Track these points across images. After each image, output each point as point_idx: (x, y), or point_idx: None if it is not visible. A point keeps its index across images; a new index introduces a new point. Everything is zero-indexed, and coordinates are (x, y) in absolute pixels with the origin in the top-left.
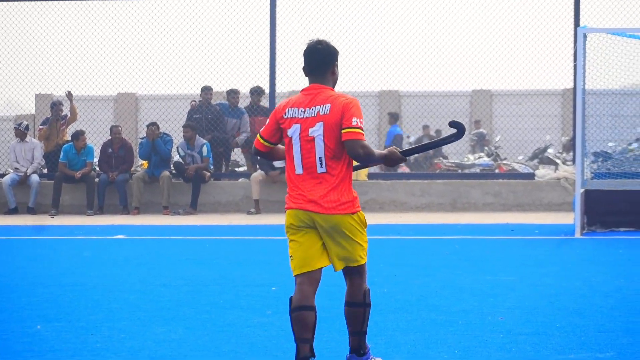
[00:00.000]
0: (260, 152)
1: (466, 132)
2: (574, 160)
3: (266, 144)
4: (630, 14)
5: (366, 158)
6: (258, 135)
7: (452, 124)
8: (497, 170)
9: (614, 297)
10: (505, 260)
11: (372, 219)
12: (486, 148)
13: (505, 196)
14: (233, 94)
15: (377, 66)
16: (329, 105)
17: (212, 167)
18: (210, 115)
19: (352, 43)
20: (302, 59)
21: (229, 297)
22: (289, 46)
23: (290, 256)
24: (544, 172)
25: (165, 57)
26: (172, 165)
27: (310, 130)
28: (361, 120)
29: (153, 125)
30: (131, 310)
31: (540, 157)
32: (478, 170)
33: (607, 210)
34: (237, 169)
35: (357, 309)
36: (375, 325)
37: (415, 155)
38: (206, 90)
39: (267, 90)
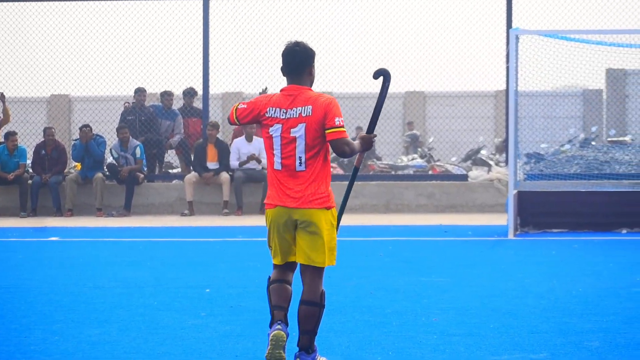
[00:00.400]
0: (230, 122)
1: (399, 134)
2: (506, 162)
3: (236, 120)
4: (562, 15)
5: (351, 153)
6: (234, 110)
7: (376, 75)
8: (430, 172)
9: (547, 298)
10: (439, 262)
11: None
12: (419, 149)
13: (439, 197)
14: (167, 95)
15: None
16: (311, 106)
17: (145, 168)
18: (144, 117)
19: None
20: (281, 59)
21: (163, 299)
22: (223, 48)
23: (270, 246)
24: (477, 174)
25: (98, 59)
26: (105, 167)
27: (292, 130)
28: (342, 118)
29: (86, 127)
30: (65, 313)
31: (474, 158)
32: (411, 172)
33: (540, 211)
34: (170, 171)
35: (313, 309)
36: None
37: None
38: (140, 92)
39: (200, 92)
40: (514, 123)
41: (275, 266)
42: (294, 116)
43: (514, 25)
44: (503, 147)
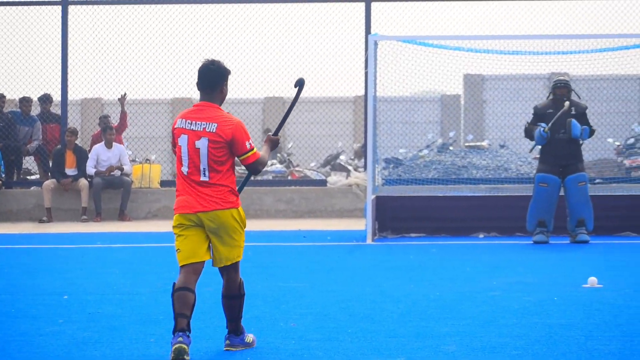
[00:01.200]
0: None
1: (259, 140)
2: (365, 167)
3: (174, 148)
4: (420, 21)
5: (264, 167)
6: (172, 146)
7: (296, 84)
8: (289, 177)
9: (404, 303)
10: (298, 267)
11: (164, 226)
12: (279, 155)
13: (298, 203)
14: (25, 101)
15: (170, 73)
16: (216, 124)
17: (3, 175)
18: (2, 123)
19: (138, 52)
20: (197, 75)
21: (21, 306)
22: (81, 54)
23: (177, 249)
24: (336, 179)
25: None
26: None
27: (196, 142)
28: (250, 140)
29: None
30: None
31: (333, 163)
32: (271, 177)
33: (398, 216)
34: (29, 177)
35: (234, 301)
36: (168, 333)
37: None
38: None
39: (57, 98)
40: (373, 128)
41: (181, 270)
42: (199, 129)
43: (372, 31)
44: (362, 153)
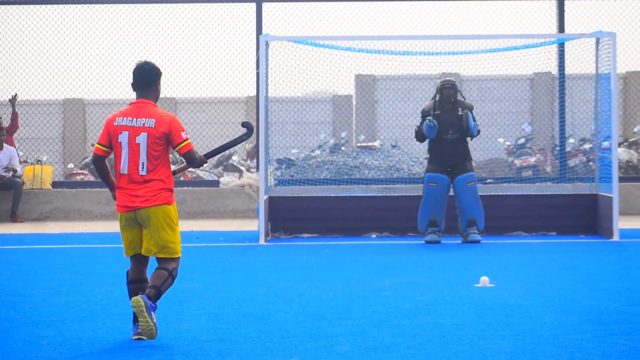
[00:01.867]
0: (99, 157)
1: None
2: (257, 167)
3: (104, 149)
4: (312, 22)
5: (199, 162)
6: (97, 144)
7: (244, 124)
8: (182, 178)
9: (298, 303)
10: (191, 268)
11: (57, 227)
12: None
13: (190, 204)
14: None
15: (62, 74)
16: (154, 120)
17: None
18: None
19: (30, 52)
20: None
21: None
22: None
23: (123, 243)
24: (228, 179)
25: None
26: None
27: (137, 138)
28: (184, 131)
29: None
30: None
31: (225, 164)
32: None
33: (291, 216)
34: None
35: (163, 272)
36: (60, 335)
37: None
38: None
39: None
40: (265, 129)
41: (130, 260)
42: (139, 125)
43: (264, 31)
44: (254, 153)
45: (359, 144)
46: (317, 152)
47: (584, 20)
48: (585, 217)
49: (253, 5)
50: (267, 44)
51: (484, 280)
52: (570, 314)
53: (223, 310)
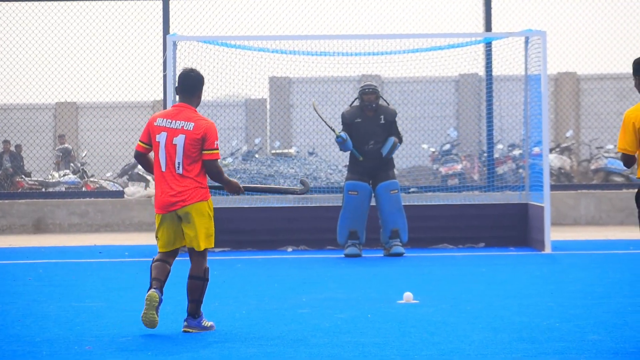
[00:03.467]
0: (140, 154)
1: (50, 148)
2: None
3: (145, 145)
4: (224, 21)
5: (217, 176)
6: (139, 141)
7: (302, 182)
8: (84, 189)
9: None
10: (93, 285)
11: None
12: (72, 165)
13: (93, 216)
14: None
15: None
16: (193, 124)
17: None
18: None
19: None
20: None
21: None
22: None
23: (157, 237)
24: (133, 190)
25: None
26: None
27: (174, 139)
28: (217, 141)
29: None
30: None
31: (130, 173)
32: (63, 189)
33: None
34: None
35: (198, 282)
36: None
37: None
38: None
39: None
40: None
41: (159, 252)
42: (177, 127)
43: (171, 30)
44: None
45: (273, 151)
46: (229, 159)
47: (512, 19)
48: (515, 228)
49: (160, 3)
50: (174, 45)
51: (408, 296)
52: (500, 332)
53: (128, 330)
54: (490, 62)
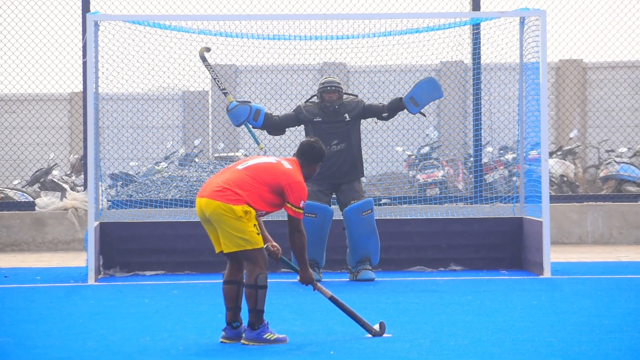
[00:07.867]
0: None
1: None
2: (85, 185)
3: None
4: None
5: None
6: None
7: (380, 325)
8: None
9: (138, 359)
10: None
11: None
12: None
13: None
14: None
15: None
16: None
17: None
18: None
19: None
20: None
21: None
22: None
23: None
24: (47, 201)
25: None
26: None
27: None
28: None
29: None
30: None
31: (43, 181)
32: None
33: (130, 248)
34: None
35: (250, 290)
36: None
37: None
38: None
39: None
40: (94, 135)
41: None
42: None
43: (92, 8)
44: (81, 166)
45: (216, 154)
46: (163, 164)
47: None
48: (507, 247)
49: None
50: (96, 25)
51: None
52: None
53: None
54: (479, 47)
